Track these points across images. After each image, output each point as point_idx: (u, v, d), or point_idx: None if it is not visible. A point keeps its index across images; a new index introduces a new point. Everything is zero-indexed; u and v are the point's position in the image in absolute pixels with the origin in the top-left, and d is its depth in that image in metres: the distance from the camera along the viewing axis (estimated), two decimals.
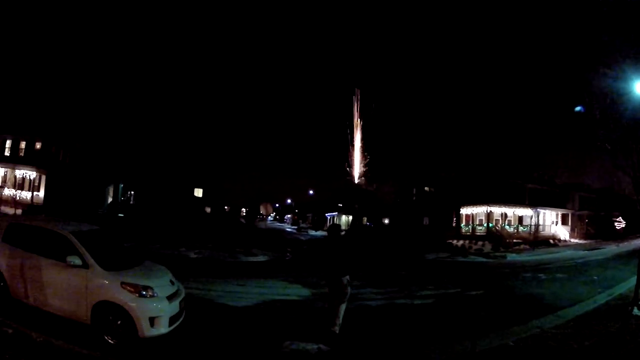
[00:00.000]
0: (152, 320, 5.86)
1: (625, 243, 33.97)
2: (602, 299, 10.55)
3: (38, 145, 35.02)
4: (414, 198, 49.90)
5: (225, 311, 8.61)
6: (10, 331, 5.69)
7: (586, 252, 28.42)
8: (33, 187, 33.36)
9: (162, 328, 5.99)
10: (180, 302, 6.48)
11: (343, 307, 7.02)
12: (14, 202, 30.81)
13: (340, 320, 6.95)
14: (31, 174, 33.48)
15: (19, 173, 33.89)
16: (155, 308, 5.97)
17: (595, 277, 14.60)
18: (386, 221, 57.38)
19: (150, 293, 6.01)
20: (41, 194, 33.53)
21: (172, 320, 6.16)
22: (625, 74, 9.68)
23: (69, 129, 35.99)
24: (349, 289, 7.14)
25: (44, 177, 33.86)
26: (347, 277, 7.17)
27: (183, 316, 6.54)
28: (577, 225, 44.28)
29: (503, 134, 77.91)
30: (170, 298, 6.28)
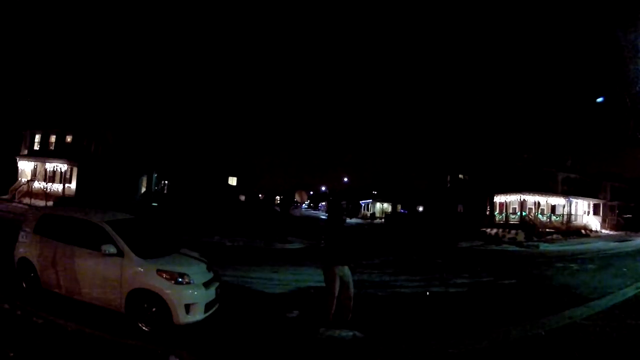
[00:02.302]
0: (187, 307, 5.90)
1: None
2: (631, 291, 10.40)
3: (69, 139, 35.55)
4: (449, 185, 49.66)
5: (261, 298, 8.67)
6: (40, 321, 5.71)
7: (617, 243, 27.67)
8: (64, 180, 34.12)
9: (198, 315, 6.03)
10: (216, 289, 6.52)
11: (332, 298, 6.49)
12: (44, 194, 31.41)
13: (329, 312, 6.52)
14: (62, 167, 34.26)
15: (50, 166, 34.63)
16: (191, 295, 6.01)
17: (625, 269, 14.38)
18: (420, 208, 57.18)
19: (186, 280, 6.06)
20: (73, 185, 34.33)
21: (207, 307, 6.20)
22: None
23: (100, 121, 36.31)
24: (337, 284, 6.45)
25: (75, 169, 34.61)
26: (340, 267, 6.52)
27: (219, 303, 6.59)
28: (608, 216, 43.22)
29: (537, 123, 76.35)
30: (206, 285, 6.32)
